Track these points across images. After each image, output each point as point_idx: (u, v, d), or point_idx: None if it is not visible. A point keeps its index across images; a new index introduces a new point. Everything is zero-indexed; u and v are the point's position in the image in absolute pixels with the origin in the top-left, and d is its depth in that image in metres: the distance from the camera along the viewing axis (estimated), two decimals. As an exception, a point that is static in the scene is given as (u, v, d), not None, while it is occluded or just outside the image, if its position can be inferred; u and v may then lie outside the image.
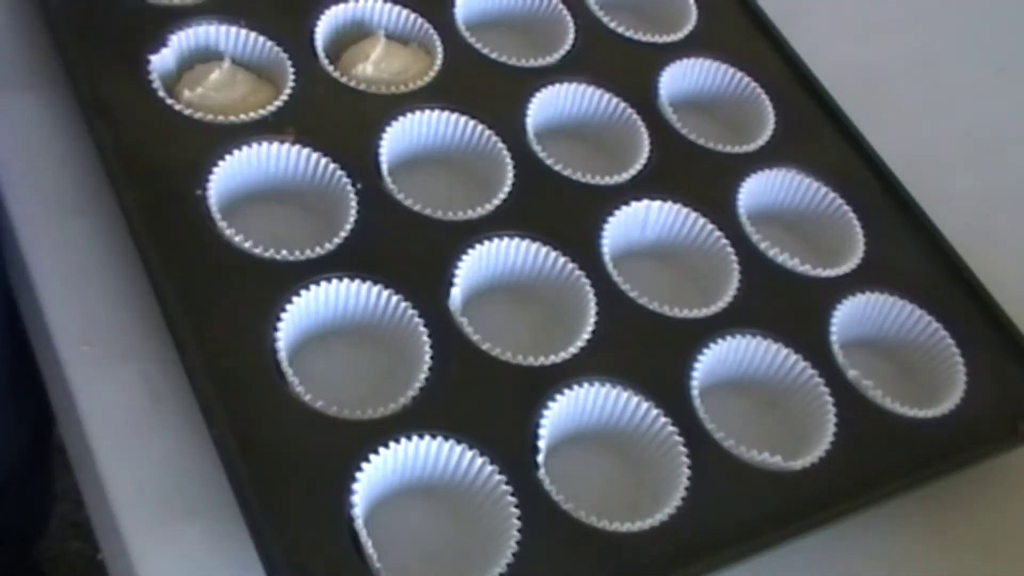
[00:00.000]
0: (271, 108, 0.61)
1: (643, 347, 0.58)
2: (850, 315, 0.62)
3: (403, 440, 0.51)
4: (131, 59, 0.61)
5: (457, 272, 0.57)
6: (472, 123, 0.64)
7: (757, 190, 0.67)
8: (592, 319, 0.57)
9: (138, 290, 0.55)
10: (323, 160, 0.60)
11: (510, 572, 0.48)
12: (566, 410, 0.54)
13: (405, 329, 0.55)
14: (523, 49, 0.69)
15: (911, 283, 0.64)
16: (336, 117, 0.62)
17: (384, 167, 0.60)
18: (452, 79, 0.66)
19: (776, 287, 0.63)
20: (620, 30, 0.72)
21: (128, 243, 0.55)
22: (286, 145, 0.60)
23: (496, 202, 0.61)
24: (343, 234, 0.57)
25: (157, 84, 0.60)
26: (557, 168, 0.64)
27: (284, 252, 0.55)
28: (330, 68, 0.64)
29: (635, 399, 0.55)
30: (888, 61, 0.82)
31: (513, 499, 0.50)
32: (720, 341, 0.59)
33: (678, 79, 0.71)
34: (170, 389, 0.53)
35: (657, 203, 0.63)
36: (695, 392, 0.57)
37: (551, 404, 0.54)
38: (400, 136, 0.62)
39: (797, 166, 0.68)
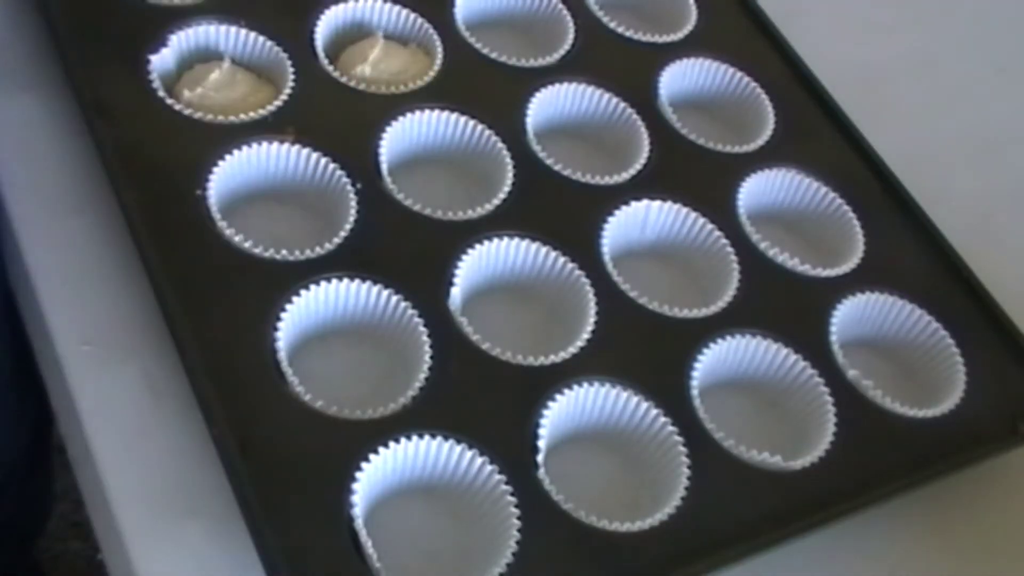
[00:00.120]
0: (271, 108, 0.61)
1: (643, 347, 0.58)
2: (850, 315, 0.62)
3: (403, 440, 0.51)
4: (131, 59, 0.61)
5: (457, 272, 0.57)
6: (472, 123, 0.64)
7: (757, 190, 0.67)
8: (592, 319, 0.57)
9: (138, 290, 0.55)
10: (323, 160, 0.60)
11: (510, 572, 0.48)
12: (566, 410, 0.54)
13: (405, 329, 0.55)
14: (523, 49, 0.69)
15: (911, 283, 0.64)
16: (336, 117, 0.62)
17: (384, 167, 0.60)
18: (452, 79, 0.66)
19: (776, 287, 0.63)
20: (620, 30, 0.72)
21: (128, 243, 0.55)
22: (286, 145, 0.60)
23: (496, 202, 0.61)
24: (343, 234, 0.57)
25: (157, 84, 0.60)
26: (557, 168, 0.64)
27: (284, 252, 0.55)
28: (330, 68, 0.64)
29: (635, 399, 0.55)
30: (888, 61, 0.82)
31: (513, 499, 0.50)
32: (720, 341, 0.59)
33: (678, 79, 0.71)
34: (170, 389, 0.53)
35: (657, 203, 0.63)
36: (695, 392, 0.57)
37: (551, 404, 0.54)
38: (400, 136, 0.62)
39: (797, 166, 0.68)
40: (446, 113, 0.64)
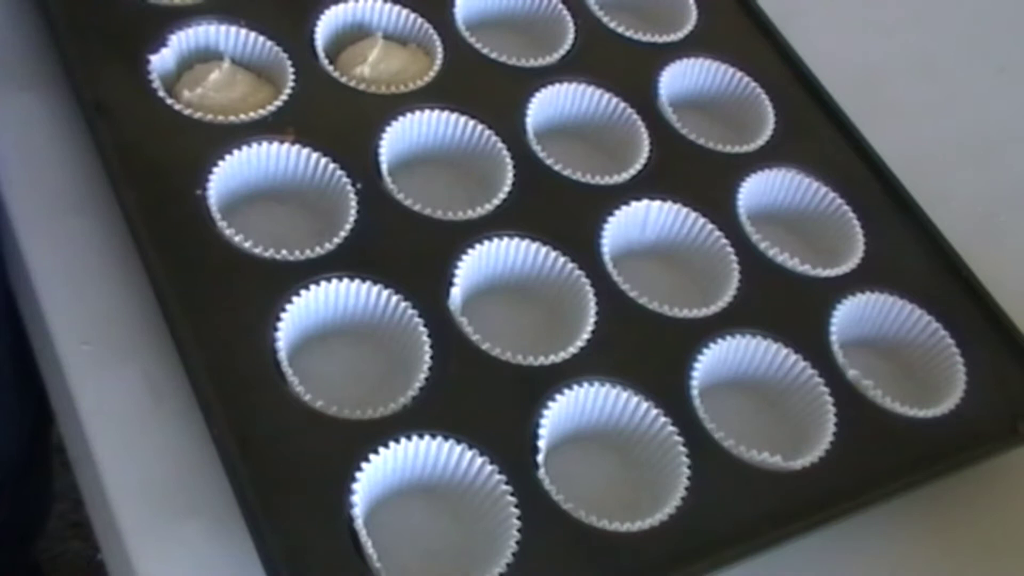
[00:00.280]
0: (271, 108, 0.61)
1: (643, 347, 0.58)
2: (850, 315, 0.62)
3: (403, 440, 0.51)
4: (131, 59, 0.61)
5: (457, 272, 0.57)
6: (472, 123, 0.64)
7: (757, 190, 0.67)
8: (592, 319, 0.57)
9: (138, 290, 0.55)
10: (323, 160, 0.60)
11: (510, 572, 0.48)
12: (566, 410, 0.54)
13: (405, 329, 0.55)
14: (523, 49, 0.69)
15: (911, 283, 0.64)
16: (336, 117, 0.62)
17: (384, 167, 0.60)
18: (452, 79, 0.66)
19: (776, 287, 0.63)
20: (620, 30, 0.72)
21: (128, 243, 0.55)
22: (286, 145, 0.60)
23: (496, 202, 0.61)
24: (343, 234, 0.57)
25: (157, 84, 0.60)
26: (557, 168, 0.64)
27: (284, 252, 0.55)
28: (330, 68, 0.64)
29: (635, 399, 0.55)
30: (888, 61, 0.82)
31: (513, 499, 0.50)
32: (720, 341, 0.59)
33: (678, 79, 0.71)
34: (170, 389, 0.53)
35: (657, 203, 0.63)
36: (695, 392, 0.57)
37: (551, 404, 0.54)
38: (400, 136, 0.62)
39: (797, 166, 0.68)
40: (446, 113, 0.64)
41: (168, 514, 0.50)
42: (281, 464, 0.49)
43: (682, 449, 0.54)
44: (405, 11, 0.68)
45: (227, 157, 0.58)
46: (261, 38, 0.64)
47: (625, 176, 0.65)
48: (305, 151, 0.60)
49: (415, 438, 0.51)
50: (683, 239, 0.64)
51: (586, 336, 0.57)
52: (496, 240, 0.59)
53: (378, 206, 0.59)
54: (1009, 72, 0.85)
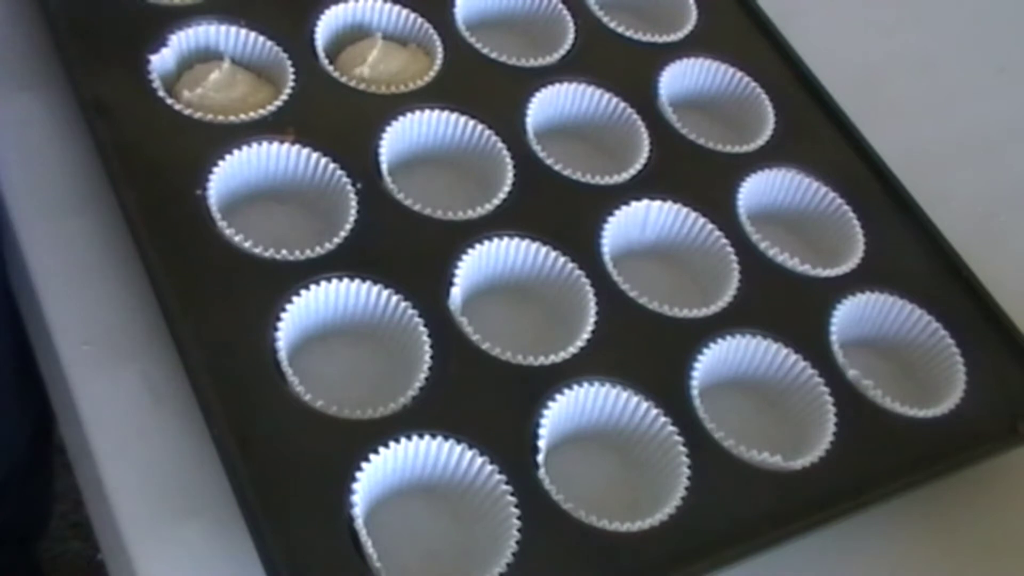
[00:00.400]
0: (271, 108, 0.61)
1: (643, 347, 0.58)
2: (850, 315, 0.62)
3: (403, 440, 0.51)
4: (131, 59, 0.61)
5: (457, 272, 0.57)
6: (472, 123, 0.64)
7: (757, 190, 0.67)
8: (592, 319, 0.57)
9: (138, 290, 0.55)
10: (323, 160, 0.60)
11: (510, 572, 0.48)
12: (566, 410, 0.54)
13: (405, 329, 0.55)
14: (523, 49, 0.69)
15: (911, 283, 0.64)
16: (336, 117, 0.62)
17: (384, 167, 0.61)
18: (452, 79, 0.66)
19: (776, 287, 0.63)
20: (620, 30, 0.72)
21: (128, 243, 0.55)
22: (286, 145, 0.60)
23: (496, 202, 0.61)
24: (343, 234, 0.57)
25: (157, 84, 0.60)
26: (557, 168, 0.64)
27: (284, 252, 0.55)
28: (330, 68, 0.64)
29: (635, 399, 0.55)
30: (888, 61, 0.82)
31: (513, 499, 0.50)
32: (720, 341, 0.59)
33: (678, 79, 0.71)
34: (170, 389, 0.53)
35: (657, 203, 0.63)
36: (695, 392, 0.57)
37: (551, 404, 0.54)
38: (400, 136, 0.62)
39: (797, 166, 0.68)
40: (446, 113, 0.64)
41: (168, 514, 0.50)
42: (281, 464, 0.49)
43: (682, 449, 0.54)
44: (405, 11, 0.68)
45: (227, 157, 0.58)
46: (261, 38, 0.64)
47: (625, 176, 0.65)
48: (305, 151, 0.60)
49: (415, 438, 0.51)
50: (683, 239, 0.64)
51: (586, 336, 0.57)
52: (496, 240, 0.59)
53: (378, 206, 0.59)
54: (1009, 72, 0.85)
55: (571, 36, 0.71)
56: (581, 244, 0.60)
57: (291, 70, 0.63)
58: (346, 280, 0.55)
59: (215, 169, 0.57)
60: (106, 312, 0.55)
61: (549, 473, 0.52)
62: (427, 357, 0.54)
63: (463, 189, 0.63)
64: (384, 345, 0.56)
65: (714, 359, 0.58)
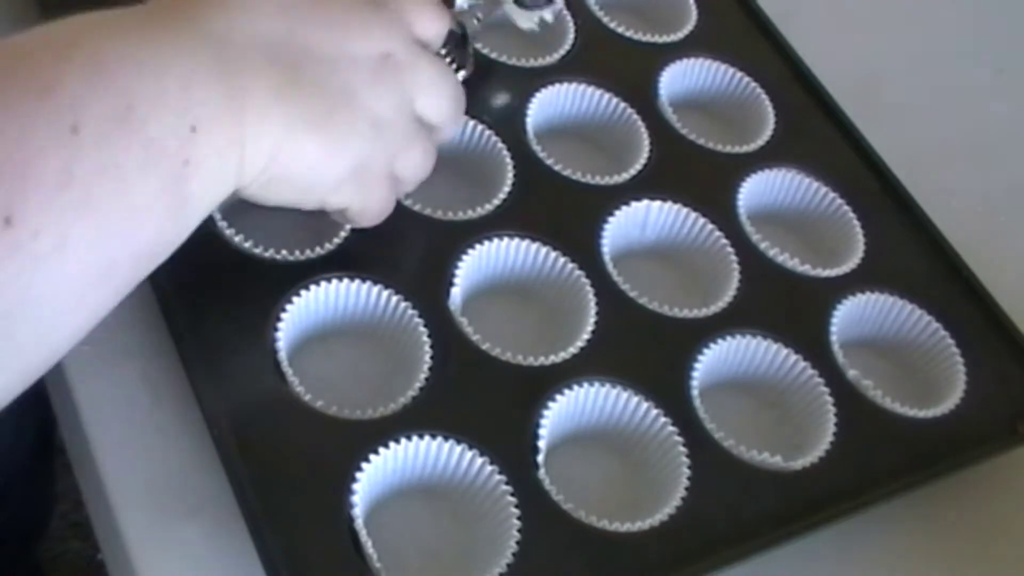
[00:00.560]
0: (271, 108, 0.61)
1: (643, 347, 0.58)
2: (850, 315, 0.62)
3: (403, 440, 0.51)
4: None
5: (457, 272, 0.57)
6: (472, 123, 0.64)
7: (757, 190, 0.67)
8: (592, 319, 0.57)
9: (138, 290, 0.55)
10: (323, 160, 0.60)
11: (510, 572, 0.48)
12: (566, 410, 0.54)
13: (405, 329, 0.55)
14: (523, 49, 0.69)
15: (911, 283, 0.64)
16: (336, 117, 0.62)
17: (384, 167, 0.60)
18: (452, 79, 0.66)
19: (776, 287, 0.63)
20: (620, 30, 0.72)
21: (128, 243, 0.55)
22: (286, 145, 0.59)
23: (496, 202, 0.61)
24: (343, 234, 0.57)
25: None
26: (557, 168, 0.64)
27: (284, 252, 0.55)
28: (330, 68, 0.64)
29: (635, 399, 0.55)
30: (888, 61, 0.82)
31: (513, 499, 0.50)
32: (720, 341, 0.59)
33: (678, 79, 0.71)
34: (170, 389, 0.53)
35: (657, 203, 0.63)
36: (695, 392, 0.57)
37: (551, 404, 0.54)
38: (400, 136, 0.62)
39: (797, 166, 0.68)
40: (446, 113, 0.64)
41: (168, 514, 0.50)
42: (281, 464, 0.49)
43: (682, 449, 0.54)
44: (405, 11, 0.68)
45: (227, 157, 0.58)
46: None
47: (625, 176, 0.65)
48: (305, 151, 0.60)
49: (415, 438, 0.51)
50: (683, 239, 0.64)
51: (586, 336, 0.57)
52: (496, 240, 0.59)
53: (378, 206, 0.59)
54: (1008, 72, 0.85)
55: (571, 36, 0.71)
56: (581, 244, 0.60)
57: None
58: (346, 280, 0.55)
59: (215, 169, 0.57)
60: (106, 312, 0.55)
61: (549, 473, 0.52)
62: (427, 357, 0.54)
63: (463, 189, 0.63)
64: (384, 345, 0.56)
65: (714, 359, 0.58)
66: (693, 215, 0.64)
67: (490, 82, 0.67)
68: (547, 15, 0.68)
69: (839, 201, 0.67)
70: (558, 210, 0.62)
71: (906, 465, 0.57)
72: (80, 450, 0.53)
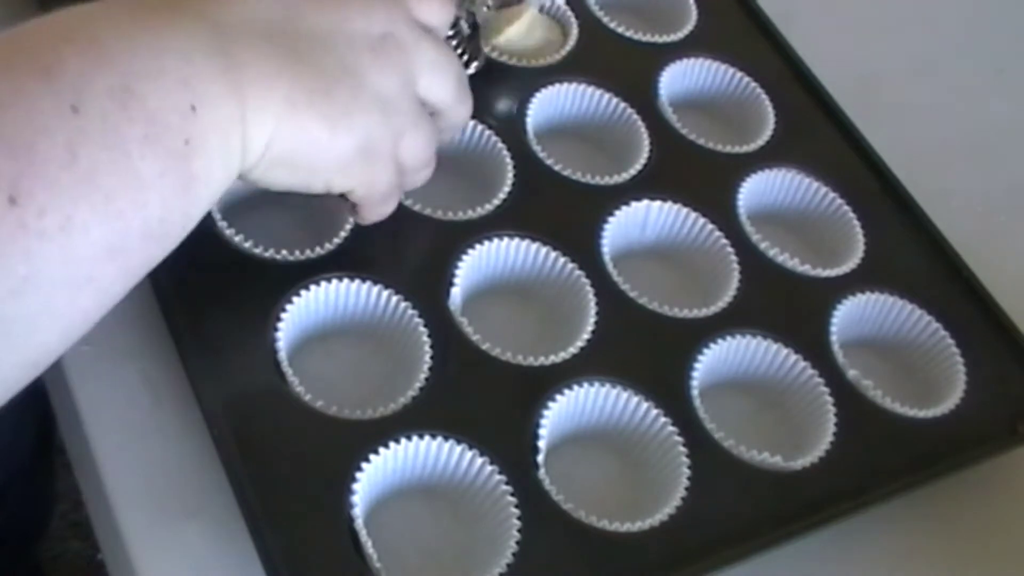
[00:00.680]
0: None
1: (643, 347, 0.58)
2: (850, 315, 0.62)
3: (403, 440, 0.51)
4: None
5: (457, 272, 0.57)
6: (472, 123, 0.64)
7: (757, 190, 0.67)
8: (592, 319, 0.57)
9: (138, 290, 0.55)
10: (323, 160, 0.60)
11: (510, 572, 0.48)
12: (566, 410, 0.54)
13: (405, 329, 0.55)
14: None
15: (911, 283, 0.64)
16: (336, 117, 0.62)
17: (384, 167, 0.60)
18: (452, 79, 0.66)
19: (776, 287, 0.63)
20: (620, 30, 0.72)
21: (128, 243, 0.55)
22: (286, 145, 0.59)
23: (496, 202, 0.61)
24: (343, 234, 0.57)
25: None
26: (557, 168, 0.64)
27: (284, 252, 0.55)
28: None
29: (635, 399, 0.55)
30: (888, 61, 0.82)
31: (513, 499, 0.50)
32: (720, 341, 0.59)
33: (678, 79, 0.71)
34: (170, 389, 0.53)
35: (657, 203, 0.63)
36: (695, 392, 0.57)
37: (551, 404, 0.54)
38: (400, 136, 0.62)
39: (797, 166, 0.68)
40: (446, 113, 0.64)
41: (168, 514, 0.50)
42: (281, 464, 0.49)
43: (682, 449, 0.54)
44: (405, 11, 0.68)
45: (227, 157, 0.58)
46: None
47: (625, 176, 0.65)
48: (305, 151, 0.60)
49: (415, 438, 0.51)
50: (683, 239, 0.64)
51: (586, 336, 0.57)
52: (496, 240, 0.59)
53: (378, 206, 0.59)
54: (1009, 73, 0.85)
55: (573, 36, 0.71)
56: (581, 244, 0.60)
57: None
58: (346, 280, 0.55)
59: (215, 169, 0.57)
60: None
61: (549, 473, 0.52)
62: (427, 357, 0.54)
63: (463, 189, 0.63)
64: (384, 345, 0.56)
65: (714, 359, 0.58)
66: (693, 215, 0.64)
67: (493, 84, 0.67)
68: None
69: (839, 201, 0.67)
70: (558, 210, 0.62)
71: (906, 465, 0.57)
72: (80, 450, 0.53)
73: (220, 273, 0.54)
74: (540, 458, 0.52)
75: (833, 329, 0.61)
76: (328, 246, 0.57)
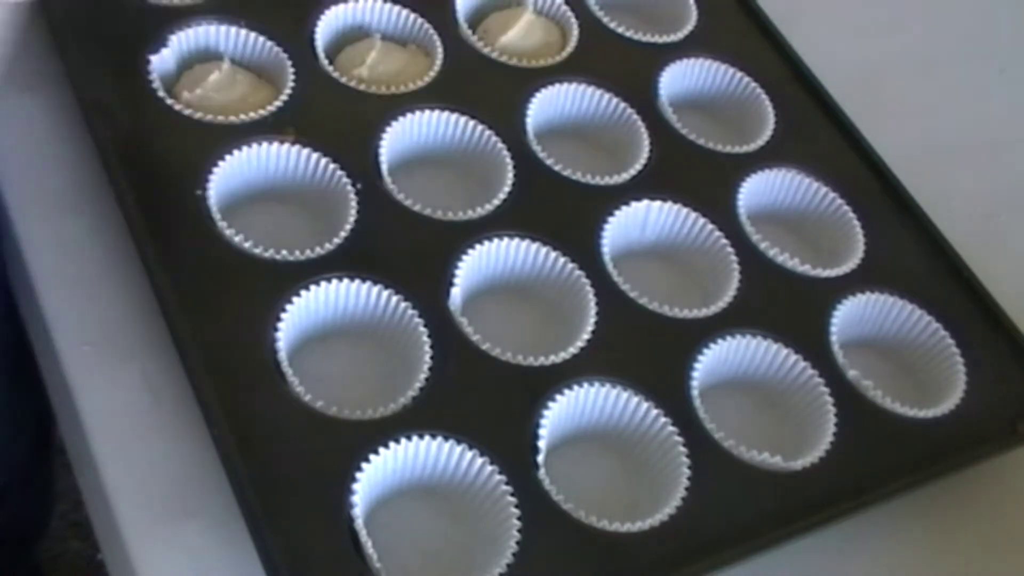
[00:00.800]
0: (271, 108, 0.61)
1: (643, 347, 0.58)
2: (850, 315, 0.62)
3: (403, 440, 0.51)
4: (131, 59, 0.61)
5: (457, 272, 0.57)
6: (472, 123, 0.64)
7: (757, 190, 0.67)
8: (592, 319, 0.57)
9: (138, 290, 0.55)
10: (323, 160, 0.60)
11: (510, 572, 0.48)
12: (566, 410, 0.54)
13: (405, 329, 0.55)
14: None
15: (911, 283, 0.64)
16: (336, 117, 0.62)
17: (384, 167, 0.61)
18: (452, 79, 0.66)
19: (776, 287, 0.63)
20: (620, 30, 0.72)
21: (128, 243, 0.55)
22: (286, 145, 0.60)
23: (496, 202, 0.61)
24: (343, 234, 0.57)
25: (157, 84, 0.60)
26: (557, 168, 0.64)
27: (284, 252, 0.55)
28: (330, 68, 0.64)
29: (635, 399, 0.55)
30: (888, 61, 0.82)
31: (513, 499, 0.50)
32: (720, 341, 0.59)
33: (678, 79, 0.71)
34: (170, 389, 0.53)
35: (657, 203, 0.63)
36: (695, 392, 0.57)
37: (551, 404, 0.54)
38: (400, 136, 0.62)
39: (797, 166, 0.68)
40: (446, 113, 0.64)
41: (168, 514, 0.50)
42: (281, 464, 0.49)
43: (682, 449, 0.54)
44: (405, 11, 0.68)
45: (227, 157, 0.58)
46: (261, 38, 0.64)
47: (625, 176, 0.65)
48: (305, 151, 0.60)
49: (415, 438, 0.51)
50: (683, 239, 0.64)
51: (586, 336, 0.57)
52: (496, 240, 0.59)
53: (378, 206, 0.59)
54: (1009, 72, 0.85)
55: (574, 36, 0.71)
56: (581, 244, 0.60)
57: (291, 70, 0.63)
58: (346, 280, 0.55)
59: (215, 169, 0.57)
60: (106, 312, 0.55)
61: (549, 473, 0.52)
62: (427, 357, 0.54)
63: (463, 189, 0.63)
64: (384, 345, 0.56)
65: (714, 359, 0.58)
66: (693, 215, 0.64)
67: (493, 84, 0.67)
68: None
69: (839, 201, 0.67)
70: (558, 210, 0.62)
71: (906, 465, 0.57)
72: (80, 450, 0.53)
73: (220, 273, 0.54)
74: (540, 458, 0.52)
75: (833, 329, 0.61)
76: (328, 246, 0.57)
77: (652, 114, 0.68)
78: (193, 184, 0.57)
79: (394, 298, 0.55)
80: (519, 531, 0.49)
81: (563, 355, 0.56)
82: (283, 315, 0.53)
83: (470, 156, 0.64)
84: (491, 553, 0.49)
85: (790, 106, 0.71)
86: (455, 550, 0.51)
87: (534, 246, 0.60)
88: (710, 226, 0.63)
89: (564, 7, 0.72)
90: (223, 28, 0.64)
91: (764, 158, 0.68)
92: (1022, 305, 0.66)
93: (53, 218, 0.58)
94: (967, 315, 0.64)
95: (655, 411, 0.55)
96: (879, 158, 0.70)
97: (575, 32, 0.71)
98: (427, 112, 0.63)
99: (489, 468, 0.51)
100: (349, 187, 0.59)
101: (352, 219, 0.58)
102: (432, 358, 0.54)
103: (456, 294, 0.57)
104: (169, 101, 0.60)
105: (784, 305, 0.62)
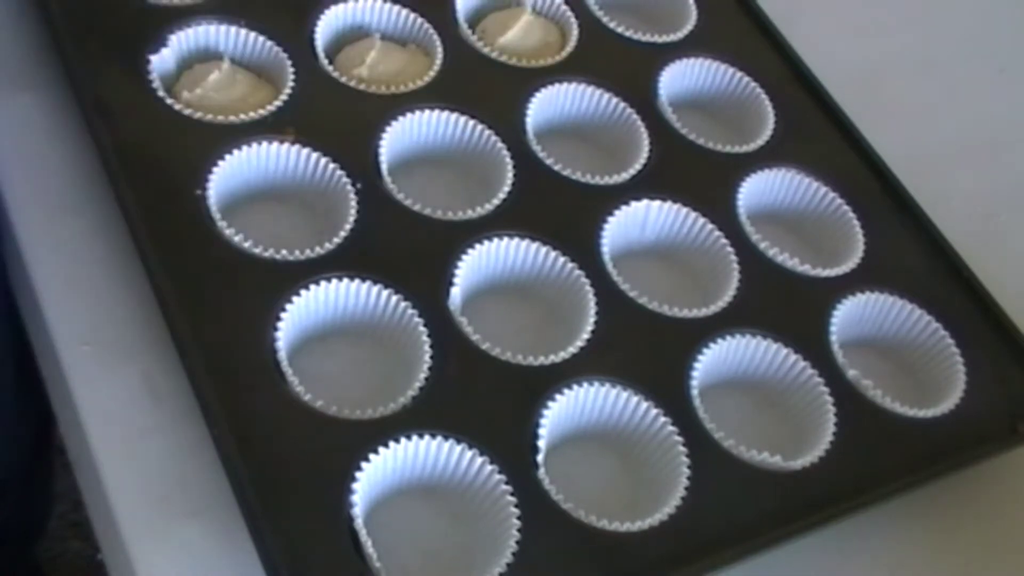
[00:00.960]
0: (271, 108, 0.61)
1: (643, 347, 0.58)
2: (850, 315, 0.62)
3: (403, 440, 0.51)
4: (131, 59, 0.61)
5: (457, 272, 0.57)
6: (472, 123, 0.64)
7: (757, 190, 0.67)
8: (592, 319, 0.57)
9: (138, 290, 0.55)
10: (323, 160, 0.60)
11: (510, 572, 0.48)
12: (566, 410, 0.54)
13: (405, 329, 0.55)
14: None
15: (911, 283, 0.64)
16: (336, 117, 0.62)
17: (384, 167, 0.61)
18: (452, 79, 0.66)
19: (776, 287, 0.63)
20: (620, 30, 0.72)
21: (128, 243, 0.55)
22: (286, 145, 0.60)
23: (496, 202, 0.61)
24: (343, 234, 0.57)
25: (157, 84, 0.60)
26: (557, 168, 0.64)
27: (284, 252, 0.55)
28: (330, 68, 0.64)
29: (635, 399, 0.55)
30: (888, 61, 0.82)
31: (513, 499, 0.50)
32: (720, 341, 0.59)
33: (678, 79, 0.71)
34: (170, 389, 0.53)
35: (657, 203, 0.63)
36: (695, 392, 0.57)
37: (551, 404, 0.54)
38: (400, 136, 0.62)
39: (797, 166, 0.68)
40: (446, 113, 0.64)
41: (168, 514, 0.50)
42: (281, 464, 0.49)
43: (682, 449, 0.54)
44: (405, 11, 0.68)
45: (227, 157, 0.58)
46: (261, 38, 0.64)
47: (625, 176, 0.65)
48: (305, 151, 0.60)
49: (415, 438, 0.51)
50: (683, 239, 0.64)
51: (586, 336, 0.57)
52: (496, 240, 0.59)
53: (378, 206, 0.59)
54: (1009, 72, 0.85)
55: (574, 36, 0.71)
56: (581, 244, 0.60)
57: (291, 70, 0.63)
58: (346, 280, 0.55)
59: (215, 169, 0.57)
60: (106, 312, 0.55)
61: (549, 473, 0.52)
62: (427, 357, 0.54)
63: (463, 189, 0.63)
64: (384, 345, 0.56)
65: (714, 359, 0.58)
66: (693, 215, 0.64)
67: (493, 84, 0.67)
68: None
69: (839, 201, 0.67)
70: (558, 210, 0.62)
71: (906, 465, 0.57)
72: (80, 450, 0.53)
73: (220, 273, 0.54)
74: (540, 458, 0.52)
75: (833, 329, 0.61)
76: (328, 246, 0.57)
77: (652, 114, 0.68)
78: (193, 184, 0.57)
79: (394, 298, 0.55)
80: (519, 531, 0.49)
81: (563, 355, 0.56)
82: (283, 315, 0.53)
83: (470, 156, 0.64)
84: (491, 553, 0.49)
85: (790, 106, 0.71)
86: (455, 550, 0.51)
87: (534, 246, 0.60)
88: (710, 226, 0.63)
89: (564, 7, 0.72)
90: (223, 28, 0.64)
91: (764, 158, 0.68)
92: (1022, 305, 0.66)
93: (53, 218, 0.58)
94: (967, 315, 0.64)
95: (655, 411, 0.55)
96: (879, 158, 0.70)
97: (575, 32, 0.71)
98: (427, 112, 0.63)
99: (489, 468, 0.51)
100: (349, 187, 0.59)
101: (352, 219, 0.58)
102: (432, 358, 0.54)
103: (456, 294, 0.57)
104: (169, 101, 0.60)
105: (784, 305, 0.62)
